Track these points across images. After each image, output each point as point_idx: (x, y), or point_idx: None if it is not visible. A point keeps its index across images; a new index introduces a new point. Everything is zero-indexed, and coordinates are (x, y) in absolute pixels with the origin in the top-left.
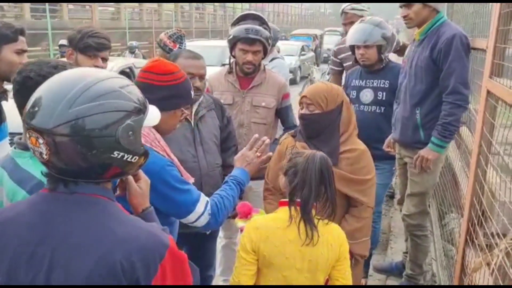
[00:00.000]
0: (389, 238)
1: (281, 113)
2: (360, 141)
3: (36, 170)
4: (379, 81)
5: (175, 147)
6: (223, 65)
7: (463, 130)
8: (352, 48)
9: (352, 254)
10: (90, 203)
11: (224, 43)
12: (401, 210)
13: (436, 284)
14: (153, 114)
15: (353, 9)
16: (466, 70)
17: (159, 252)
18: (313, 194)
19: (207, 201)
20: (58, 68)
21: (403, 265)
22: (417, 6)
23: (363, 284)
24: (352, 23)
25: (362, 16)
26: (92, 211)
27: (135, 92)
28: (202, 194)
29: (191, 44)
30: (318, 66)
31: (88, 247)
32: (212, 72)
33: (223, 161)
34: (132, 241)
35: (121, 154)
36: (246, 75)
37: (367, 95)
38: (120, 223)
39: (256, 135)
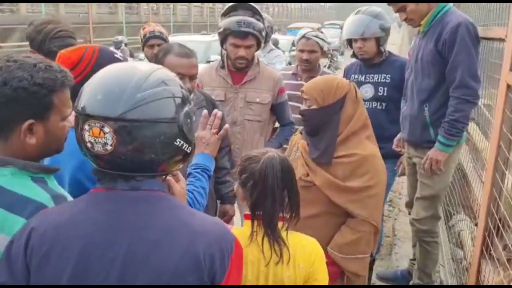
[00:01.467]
0: (393, 242)
1: (277, 109)
2: (371, 145)
3: (29, 190)
4: (380, 75)
5: None
6: (208, 62)
7: (471, 126)
8: (349, 41)
9: (341, 271)
10: (157, 198)
11: (208, 37)
12: (409, 214)
13: (437, 284)
14: None
15: (316, 36)
16: (474, 61)
17: (230, 243)
18: (278, 205)
19: None
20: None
21: (409, 273)
22: (409, 6)
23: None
24: (311, 52)
25: (322, 48)
26: (162, 205)
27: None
28: None
29: (172, 40)
30: None
31: (169, 241)
32: (202, 66)
33: (215, 162)
34: (209, 233)
35: (181, 142)
36: (238, 70)
37: (367, 91)
38: (191, 215)
39: (205, 111)
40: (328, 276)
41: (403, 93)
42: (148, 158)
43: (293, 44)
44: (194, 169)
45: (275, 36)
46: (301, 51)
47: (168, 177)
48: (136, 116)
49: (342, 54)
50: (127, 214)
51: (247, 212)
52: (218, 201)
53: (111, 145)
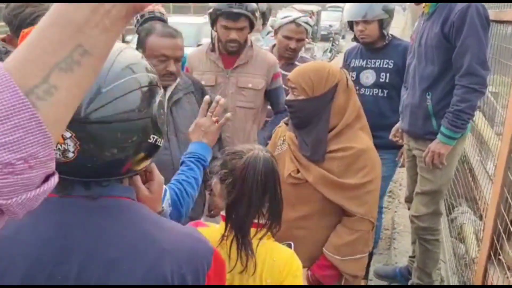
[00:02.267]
0: (392, 236)
1: (271, 95)
2: (365, 137)
3: None
4: (382, 60)
5: None
6: (199, 45)
7: (477, 114)
8: (351, 24)
9: (339, 273)
10: (119, 207)
11: (200, 19)
12: (408, 209)
13: (437, 284)
14: None
15: (307, 23)
16: (483, 47)
17: (207, 260)
18: (253, 210)
19: (165, 190)
20: None
21: (408, 271)
22: None
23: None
24: (300, 40)
25: (308, 35)
26: (125, 216)
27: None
28: None
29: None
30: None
31: (131, 260)
32: (191, 50)
33: None
34: (180, 250)
35: (156, 137)
36: (230, 53)
37: (368, 77)
38: (159, 228)
39: (207, 97)
40: (325, 280)
41: (403, 80)
42: (115, 159)
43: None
44: (189, 158)
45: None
46: (288, 38)
47: (134, 178)
48: (102, 116)
49: (343, 37)
50: (81, 228)
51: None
52: (208, 193)
53: (73, 152)
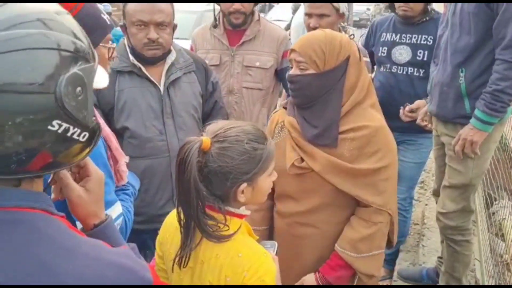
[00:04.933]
0: (421, 232)
1: (283, 75)
2: (377, 114)
3: None
4: (420, 36)
5: (137, 121)
6: None
7: None
8: None
9: (353, 273)
10: (11, 223)
11: (202, 6)
12: (436, 203)
13: (439, 285)
14: (100, 72)
15: None
16: None
17: None
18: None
19: (121, 213)
20: None
21: (437, 273)
22: None
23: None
24: (321, 16)
25: (338, 10)
26: (18, 237)
27: (77, 26)
28: (118, 203)
29: None
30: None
31: None
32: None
33: None
34: (90, 286)
35: (64, 126)
36: (235, 27)
37: (401, 53)
38: (68, 255)
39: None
40: (338, 281)
41: (433, 54)
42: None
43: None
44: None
45: None
46: (308, 15)
47: (63, 172)
48: None
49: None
50: None
51: None
52: None
53: None
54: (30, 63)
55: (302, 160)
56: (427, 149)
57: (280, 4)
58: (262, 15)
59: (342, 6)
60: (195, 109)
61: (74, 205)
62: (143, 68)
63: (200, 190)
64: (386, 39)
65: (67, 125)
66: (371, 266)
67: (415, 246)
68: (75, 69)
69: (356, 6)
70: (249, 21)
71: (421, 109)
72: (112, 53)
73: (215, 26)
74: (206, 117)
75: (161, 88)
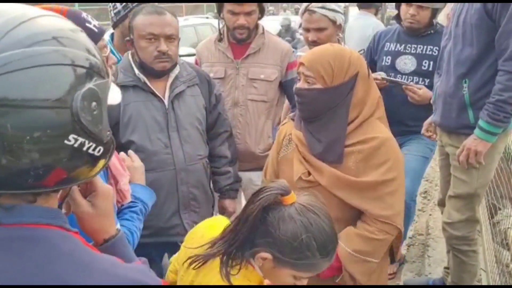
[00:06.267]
0: (426, 242)
1: (287, 87)
2: (384, 127)
3: None
4: (425, 46)
5: (142, 134)
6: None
7: None
8: (398, 4)
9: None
10: (29, 239)
11: (198, 20)
12: (442, 213)
13: (439, 284)
14: (113, 88)
15: (323, 7)
16: None
17: None
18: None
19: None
20: None
21: (443, 285)
22: None
23: None
24: (319, 29)
25: (334, 22)
26: (37, 254)
27: (91, 43)
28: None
29: None
30: None
31: None
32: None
33: (212, 150)
34: None
35: (80, 140)
36: (239, 41)
37: (406, 63)
38: (84, 272)
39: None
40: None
41: (436, 65)
42: (14, 166)
43: (287, 29)
44: (137, 205)
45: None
46: (306, 30)
47: (73, 188)
48: None
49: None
50: None
51: None
52: (217, 195)
53: None
54: (48, 79)
55: (309, 173)
56: (431, 146)
57: (270, 17)
58: None
59: (339, 18)
60: (199, 122)
61: (81, 220)
62: (147, 82)
63: (255, 226)
64: (390, 49)
65: (83, 140)
66: (359, 269)
67: (420, 257)
68: (90, 85)
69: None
70: (253, 35)
71: (421, 92)
72: (107, 61)
73: (219, 39)
74: (210, 129)
75: (166, 101)
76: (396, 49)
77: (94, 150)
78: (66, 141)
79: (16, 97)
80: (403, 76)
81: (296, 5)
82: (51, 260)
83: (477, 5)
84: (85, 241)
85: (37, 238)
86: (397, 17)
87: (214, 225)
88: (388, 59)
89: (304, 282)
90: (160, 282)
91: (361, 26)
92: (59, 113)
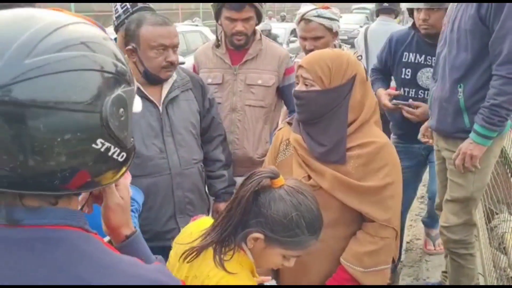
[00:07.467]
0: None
1: (284, 92)
2: (381, 131)
3: None
4: None
5: (138, 140)
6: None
7: None
8: (410, 10)
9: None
10: (52, 240)
11: (186, 28)
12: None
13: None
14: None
15: (319, 16)
16: None
17: None
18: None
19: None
20: None
21: (443, 286)
22: None
23: None
24: (316, 38)
25: (330, 29)
26: (58, 255)
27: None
28: None
29: None
30: None
31: None
32: (199, 47)
33: (206, 154)
34: None
35: (106, 145)
36: (237, 48)
37: (429, 77)
38: (107, 273)
39: None
40: None
41: (432, 71)
42: (42, 167)
43: (293, 33)
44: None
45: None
46: (303, 38)
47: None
48: (22, 97)
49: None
50: None
51: None
52: (212, 199)
53: None
54: (80, 83)
55: (309, 177)
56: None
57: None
58: None
59: (335, 25)
60: (194, 126)
61: (113, 212)
62: (141, 87)
63: (248, 208)
64: (409, 60)
65: (109, 145)
66: (376, 280)
67: (418, 261)
68: (119, 91)
69: (344, 25)
70: (251, 41)
71: (418, 113)
72: None
73: (217, 45)
74: (205, 133)
75: (160, 107)
76: (416, 61)
77: (118, 155)
78: (93, 145)
79: (49, 99)
80: (426, 91)
81: (283, 12)
82: (73, 261)
83: (472, 11)
84: (105, 242)
85: (59, 239)
86: (414, 26)
87: (201, 224)
88: (408, 72)
89: (292, 263)
90: (179, 282)
91: (383, 32)
92: (90, 117)
